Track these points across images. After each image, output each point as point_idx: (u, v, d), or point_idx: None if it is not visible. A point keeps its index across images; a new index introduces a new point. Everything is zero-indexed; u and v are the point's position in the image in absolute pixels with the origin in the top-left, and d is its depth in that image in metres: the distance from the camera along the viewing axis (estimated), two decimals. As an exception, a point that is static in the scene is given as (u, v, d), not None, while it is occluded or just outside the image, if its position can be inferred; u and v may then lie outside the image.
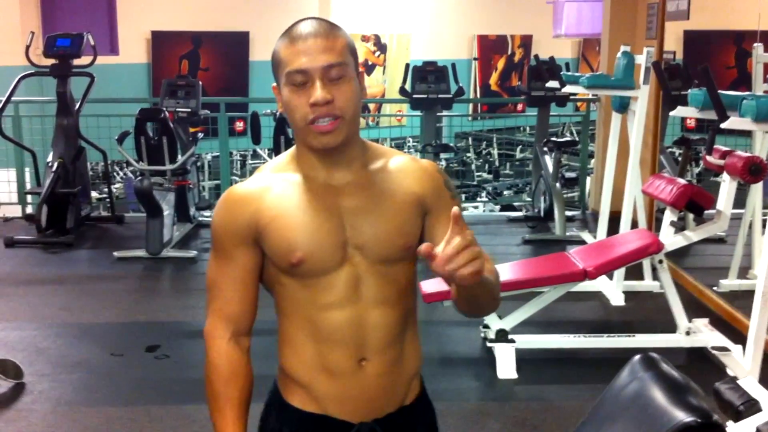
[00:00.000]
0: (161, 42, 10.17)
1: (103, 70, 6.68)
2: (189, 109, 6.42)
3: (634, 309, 4.77)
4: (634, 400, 2.14)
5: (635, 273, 4.94)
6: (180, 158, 6.01)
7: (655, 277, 4.49)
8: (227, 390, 1.56)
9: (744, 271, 4.92)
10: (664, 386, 2.11)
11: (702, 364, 3.83)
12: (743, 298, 4.47)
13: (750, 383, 2.95)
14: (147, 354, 4.16)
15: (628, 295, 4.84)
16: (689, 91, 3.30)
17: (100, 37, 8.04)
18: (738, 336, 3.93)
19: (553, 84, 5.71)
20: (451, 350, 4.25)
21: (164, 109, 6.11)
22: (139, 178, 5.87)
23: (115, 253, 5.84)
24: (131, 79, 9.76)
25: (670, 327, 4.03)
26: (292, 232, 1.48)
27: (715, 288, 4.85)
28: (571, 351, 4.08)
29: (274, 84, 1.51)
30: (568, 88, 5.26)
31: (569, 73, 5.68)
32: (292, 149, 1.54)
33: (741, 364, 3.36)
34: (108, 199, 7.30)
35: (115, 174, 9.40)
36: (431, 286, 4.07)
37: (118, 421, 3.44)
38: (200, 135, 6.76)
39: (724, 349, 3.44)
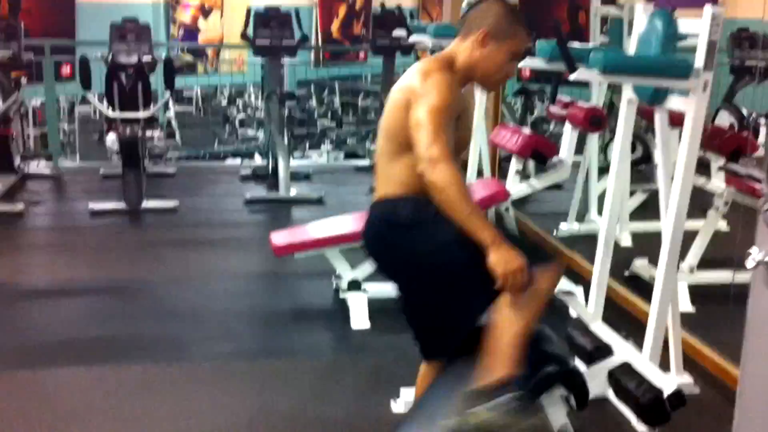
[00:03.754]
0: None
1: None
2: (10, 53, 5.92)
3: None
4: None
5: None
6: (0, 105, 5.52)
7: (499, 224, 4.60)
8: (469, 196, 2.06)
9: (581, 217, 5.14)
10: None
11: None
12: (582, 243, 4.68)
13: (600, 328, 3.09)
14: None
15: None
16: (536, 42, 3.35)
17: None
18: (578, 278, 4.11)
19: (399, 33, 5.67)
20: (304, 303, 4.20)
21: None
22: (-46, 127, 5.35)
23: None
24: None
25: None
26: None
27: (555, 233, 5.04)
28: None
29: (486, 30, 2.19)
30: (415, 38, 5.24)
31: (415, 23, 5.65)
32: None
33: (584, 307, 3.50)
34: None
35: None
36: (281, 238, 3.98)
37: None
38: (23, 80, 6.25)
39: (570, 293, 3.57)
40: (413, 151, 2.11)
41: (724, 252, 4.39)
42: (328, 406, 3.09)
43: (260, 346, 3.69)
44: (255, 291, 4.36)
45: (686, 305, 3.86)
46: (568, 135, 3.99)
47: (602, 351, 2.78)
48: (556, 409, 2.36)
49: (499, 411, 1.98)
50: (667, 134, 3.15)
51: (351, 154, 8.69)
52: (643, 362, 2.75)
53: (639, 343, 2.92)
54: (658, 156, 3.00)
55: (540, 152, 4.04)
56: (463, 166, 5.08)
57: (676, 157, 2.83)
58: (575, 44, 3.41)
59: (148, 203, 5.84)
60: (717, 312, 3.89)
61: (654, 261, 4.20)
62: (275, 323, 3.90)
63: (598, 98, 4.76)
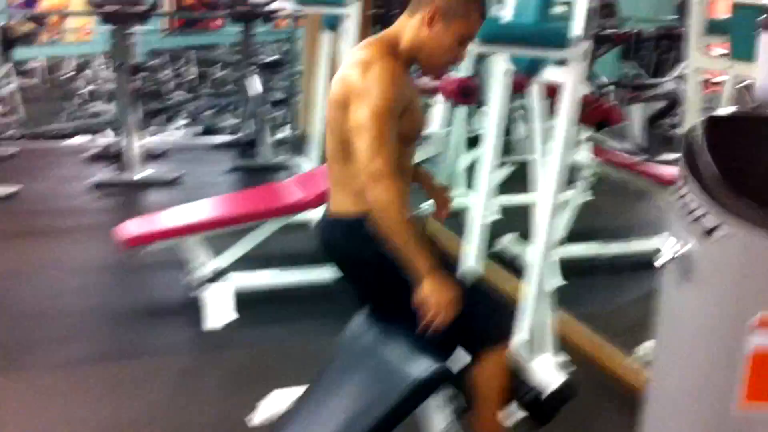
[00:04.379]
0: None
1: None
2: None
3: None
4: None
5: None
6: None
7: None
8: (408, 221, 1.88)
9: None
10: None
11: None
12: (449, 218, 4.52)
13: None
14: None
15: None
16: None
17: None
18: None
19: (258, -1, 5.32)
20: (158, 299, 3.84)
21: None
22: None
23: None
24: None
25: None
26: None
27: (417, 211, 4.86)
28: (289, 287, 3.86)
29: (436, 8, 1.95)
30: (279, 4, 4.90)
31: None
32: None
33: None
34: None
35: None
36: (133, 227, 3.60)
37: None
38: None
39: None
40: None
41: (587, 223, 4.40)
42: (187, 412, 2.79)
43: (111, 347, 3.33)
44: (103, 286, 3.96)
45: (556, 281, 3.79)
46: (440, 107, 3.81)
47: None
48: (437, 413, 2.18)
49: None
50: (542, 106, 3.03)
51: (209, 130, 8.23)
52: (521, 354, 2.61)
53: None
54: (529, 128, 2.87)
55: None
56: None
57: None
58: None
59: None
60: (585, 285, 3.88)
61: (523, 235, 4.15)
62: (127, 321, 3.54)
63: (467, 68, 4.61)
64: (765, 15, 1.48)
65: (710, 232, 1.19)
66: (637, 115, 6.26)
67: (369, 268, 2.05)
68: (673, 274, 1.28)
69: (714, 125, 1.29)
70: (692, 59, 2.99)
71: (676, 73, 6.66)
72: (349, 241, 2.04)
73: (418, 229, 1.89)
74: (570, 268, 3.79)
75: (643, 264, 4.24)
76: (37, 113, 8.93)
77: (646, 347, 3.04)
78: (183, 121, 8.96)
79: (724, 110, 1.39)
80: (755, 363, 1.19)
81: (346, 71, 1.96)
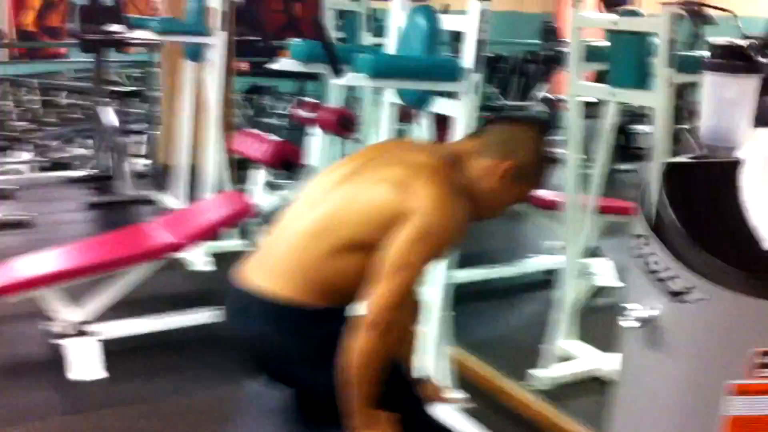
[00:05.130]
0: None
1: None
2: None
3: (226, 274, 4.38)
4: None
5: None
6: None
7: (244, 236, 4.19)
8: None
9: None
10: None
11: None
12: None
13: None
14: None
15: (217, 257, 4.40)
16: (290, 41, 2.97)
17: None
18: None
19: (112, 27, 4.99)
20: (17, 355, 3.44)
21: None
22: None
23: None
24: None
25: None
26: None
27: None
28: (163, 334, 3.56)
29: (512, 166, 1.76)
30: (135, 33, 4.61)
31: (134, 16, 5.03)
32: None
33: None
34: None
35: None
36: None
37: None
38: None
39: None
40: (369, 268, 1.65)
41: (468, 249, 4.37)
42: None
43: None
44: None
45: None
46: (318, 140, 3.67)
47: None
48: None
49: None
50: (432, 137, 2.95)
51: (59, 165, 7.65)
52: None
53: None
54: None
55: (290, 159, 3.67)
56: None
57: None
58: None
59: None
60: (471, 312, 3.77)
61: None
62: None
63: (337, 99, 4.48)
64: (708, 54, 1.43)
65: (679, 294, 1.10)
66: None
67: (303, 366, 1.78)
68: (637, 339, 1.18)
69: (670, 174, 1.21)
70: (573, 86, 2.99)
71: (540, 95, 6.85)
72: (292, 332, 1.74)
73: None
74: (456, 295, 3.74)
75: (527, 286, 4.28)
76: None
77: (537, 373, 3.04)
78: (27, 155, 8.25)
79: (680, 158, 1.32)
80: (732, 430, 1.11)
81: (403, 175, 1.69)
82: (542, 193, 4.25)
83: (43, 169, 7.37)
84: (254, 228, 3.62)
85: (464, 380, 3.01)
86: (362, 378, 1.63)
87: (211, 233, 3.60)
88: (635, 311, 1.17)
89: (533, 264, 4.40)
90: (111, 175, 5.98)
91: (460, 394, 2.85)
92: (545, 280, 3.99)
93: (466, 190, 1.74)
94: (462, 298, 3.78)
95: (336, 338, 1.66)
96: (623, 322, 1.20)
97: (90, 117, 6.45)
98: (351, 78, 2.36)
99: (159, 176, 6.08)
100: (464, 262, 4.16)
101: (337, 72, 2.41)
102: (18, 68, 10.00)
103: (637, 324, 1.16)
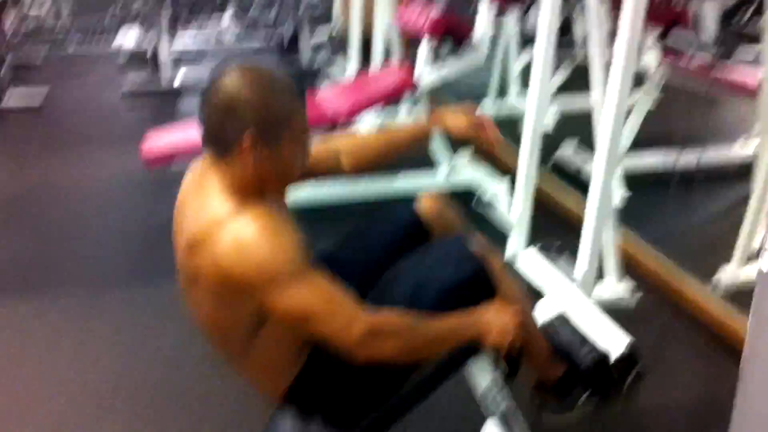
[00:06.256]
0: None
1: None
2: None
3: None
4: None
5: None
6: None
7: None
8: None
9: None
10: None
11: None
12: (504, 127, 4.16)
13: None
14: None
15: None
16: None
17: None
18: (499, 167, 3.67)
19: None
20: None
21: None
22: None
23: None
24: None
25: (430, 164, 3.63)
26: None
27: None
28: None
29: (251, 134, 1.41)
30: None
31: None
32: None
33: (508, 214, 3.07)
34: None
35: None
36: (157, 142, 3.33)
37: None
38: None
39: (489, 203, 3.14)
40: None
41: (652, 132, 3.98)
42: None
43: (136, 270, 3.09)
44: (132, 203, 3.73)
45: (619, 196, 3.44)
46: (485, 10, 3.41)
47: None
48: (482, 373, 1.94)
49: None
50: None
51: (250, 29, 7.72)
52: (584, 309, 2.25)
53: (572, 247, 2.53)
54: (583, 27, 2.48)
55: (454, 33, 3.45)
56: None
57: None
58: None
59: (8, 101, 5.06)
60: (650, 200, 3.50)
61: (582, 143, 3.78)
62: (157, 242, 3.28)
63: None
64: None
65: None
66: (709, 11, 5.69)
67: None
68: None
69: None
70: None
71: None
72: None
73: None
74: (636, 181, 3.45)
75: (719, 176, 3.83)
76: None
77: (727, 272, 2.71)
78: (230, 11, 8.08)
79: None
80: None
81: (212, 245, 1.40)
82: (740, 73, 3.79)
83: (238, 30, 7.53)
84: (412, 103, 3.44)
85: (634, 271, 2.78)
86: (422, 343, 1.52)
87: (369, 103, 3.45)
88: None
89: (725, 152, 3.97)
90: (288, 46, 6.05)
91: (626, 282, 2.63)
92: (740, 171, 3.60)
93: (256, 187, 1.46)
94: (643, 183, 3.53)
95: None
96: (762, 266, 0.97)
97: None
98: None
99: (337, 46, 6.05)
100: (647, 146, 3.85)
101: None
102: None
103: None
